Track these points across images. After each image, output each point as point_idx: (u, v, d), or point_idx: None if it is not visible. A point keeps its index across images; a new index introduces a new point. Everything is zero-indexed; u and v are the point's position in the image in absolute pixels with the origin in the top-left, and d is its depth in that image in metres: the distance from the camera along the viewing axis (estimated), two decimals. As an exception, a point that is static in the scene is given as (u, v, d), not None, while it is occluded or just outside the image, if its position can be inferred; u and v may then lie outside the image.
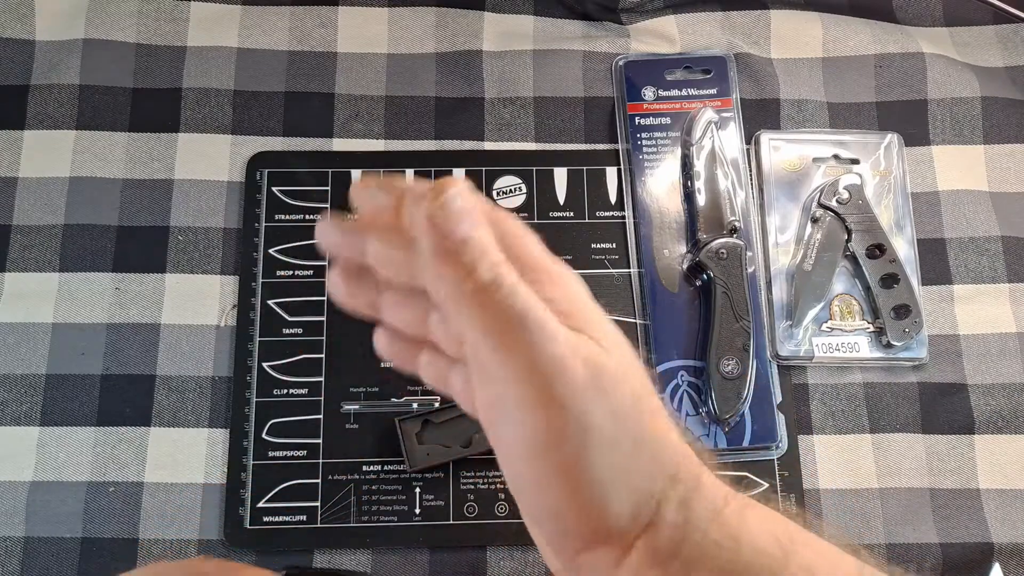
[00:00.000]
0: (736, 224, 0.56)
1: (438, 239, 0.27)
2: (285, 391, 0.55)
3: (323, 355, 0.55)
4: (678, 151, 0.59)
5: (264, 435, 0.54)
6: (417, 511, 0.53)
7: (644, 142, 0.59)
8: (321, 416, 0.54)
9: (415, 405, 0.54)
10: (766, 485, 0.54)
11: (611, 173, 0.59)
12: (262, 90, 0.60)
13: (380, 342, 0.34)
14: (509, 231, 0.30)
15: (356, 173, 0.59)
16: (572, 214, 0.59)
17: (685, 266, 0.57)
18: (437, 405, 0.54)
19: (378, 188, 0.31)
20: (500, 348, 0.27)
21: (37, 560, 0.51)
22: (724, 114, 0.59)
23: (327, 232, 0.33)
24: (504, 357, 0.27)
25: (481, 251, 0.27)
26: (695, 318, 0.56)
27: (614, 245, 0.58)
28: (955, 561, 0.52)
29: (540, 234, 0.61)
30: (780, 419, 0.54)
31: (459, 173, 0.59)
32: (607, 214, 0.59)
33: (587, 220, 0.58)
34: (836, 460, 0.54)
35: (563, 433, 0.27)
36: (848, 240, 0.57)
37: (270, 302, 0.56)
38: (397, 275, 0.31)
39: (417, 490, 0.53)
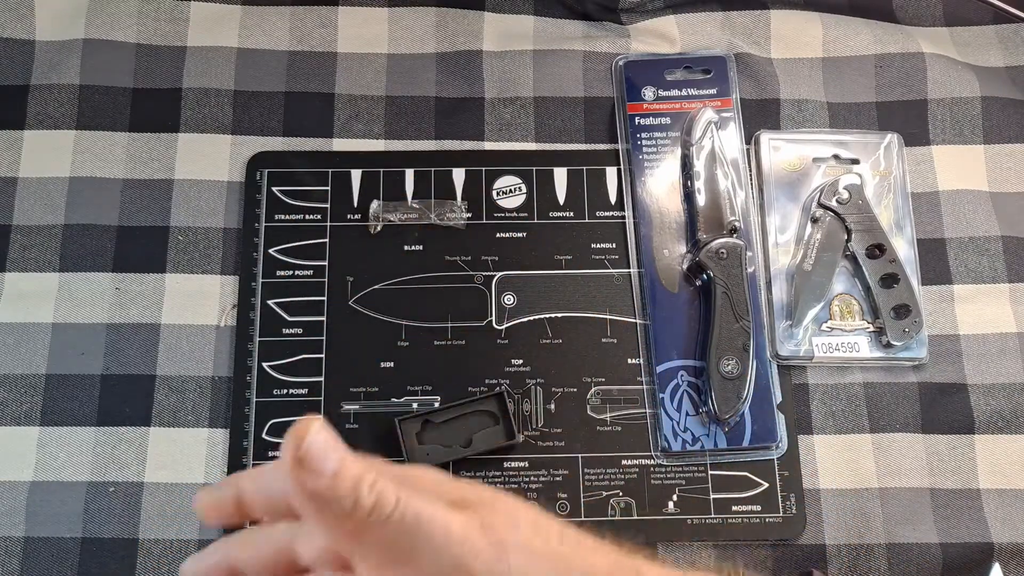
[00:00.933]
0: (736, 224, 0.56)
1: (311, 484, 0.27)
2: (285, 391, 0.55)
3: (323, 355, 0.55)
4: (678, 151, 0.59)
5: (264, 435, 0.54)
6: (417, 511, 0.53)
7: (644, 142, 0.59)
8: (321, 416, 0.54)
9: (415, 405, 0.54)
10: (766, 485, 0.54)
11: (611, 173, 0.59)
12: (262, 90, 0.60)
13: None
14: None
15: (356, 173, 0.59)
16: (572, 214, 0.59)
17: (685, 266, 0.57)
18: (437, 405, 0.54)
19: (216, 490, 0.32)
20: (413, 555, 0.27)
21: (37, 560, 0.51)
22: (724, 114, 0.59)
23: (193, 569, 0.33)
24: (419, 563, 0.27)
25: (356, 477, 0.27)
26: (695, 318, 0.56)
27: (614, 245, 0.58)
28: (955, 561, 0.52)
29: (540, 234, 0.61)
30: (780, 419, 0.54)
31: (459, 173, 0.59)
32: (607, 214, 0.59)
33: (587, 220, 0.58)
34: (836, 460, 0.54)
35: None
36: (848, 240, 0.57)
37: (270, 302, 0.56)
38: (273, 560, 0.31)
39: (417, 490, 0.53)
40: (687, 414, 0.55)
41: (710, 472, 0.54)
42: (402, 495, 0.27)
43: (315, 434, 0.27)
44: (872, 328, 0.56)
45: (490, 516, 0.29)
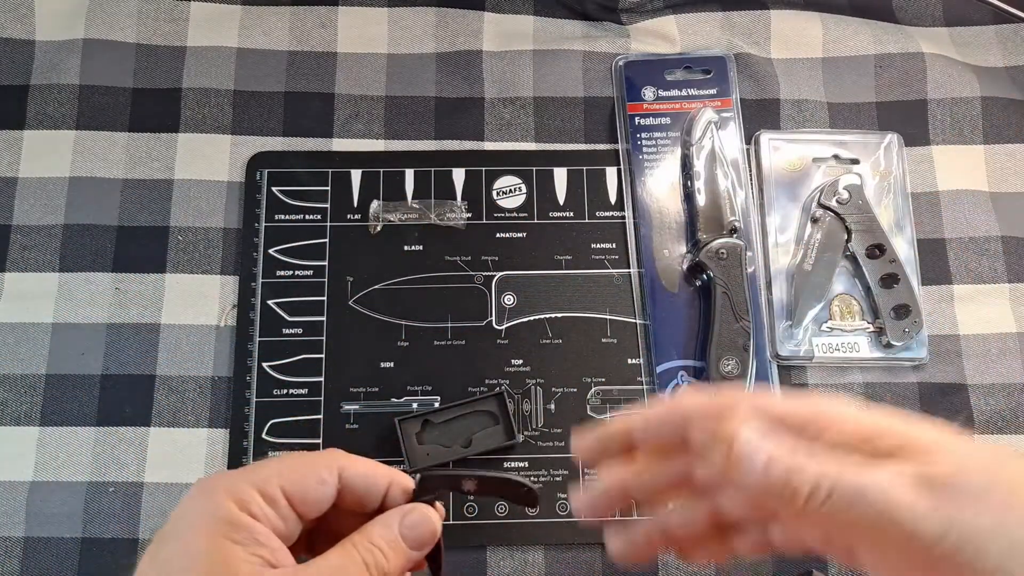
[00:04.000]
0: (736, 224, 0.56)
1: (743, 482, 0.27)
2: (285, 391, 0.55)
3: (323, 355, 0.55)
4: (678, 151, 0.59)
5: (264, 435, 0.54)
6: (417, 511, 0.53)
7: (644, 142, 0.59)
8: (321, 416, 0.54)
9: (415, 405, 0.54)
10: (766, 485, 0.54)
11: (611, 173, 0.59)
12: (262, 90, 0.60)
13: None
14: (802, 414, 0.28)
15: (356, 173, 0.59)
16: (572, 214, 0.59)
17: (685, 266, 0.57)
18: (437, 405, 0.54)
19: (601, 433, 0.33)
20: (869, 548, 0.26)
21: (37, 560, 0.51)
22: (724, 114, 0.59)
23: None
24: (878, 554, 0.26)
25: (787, 470, 0.26)
26: (695, 318, 0.56)
27: (614, 245, 0.58)
28: (955, 561, 0.52)
29: (540, 234, 0.61)
30: (780, 419, 0.54)
31: (459, 173, 0.59)
32: (607, 214, 0.59)
33: (587, 220, 0.58)
34: (836, 460, 0.54)
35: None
36: (848, 240, 0.57)
37: (270, 302, 0.56)
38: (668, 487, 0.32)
39: (417, 490, 0.53)
40: (687, 414, 0.54)
41: (710, 472, 0.54)
42: (831, 472, 0.26)
43: (746, 434, 0.27)
44: (872, 328, 0.56)
45: (932, 468, 0.25)
